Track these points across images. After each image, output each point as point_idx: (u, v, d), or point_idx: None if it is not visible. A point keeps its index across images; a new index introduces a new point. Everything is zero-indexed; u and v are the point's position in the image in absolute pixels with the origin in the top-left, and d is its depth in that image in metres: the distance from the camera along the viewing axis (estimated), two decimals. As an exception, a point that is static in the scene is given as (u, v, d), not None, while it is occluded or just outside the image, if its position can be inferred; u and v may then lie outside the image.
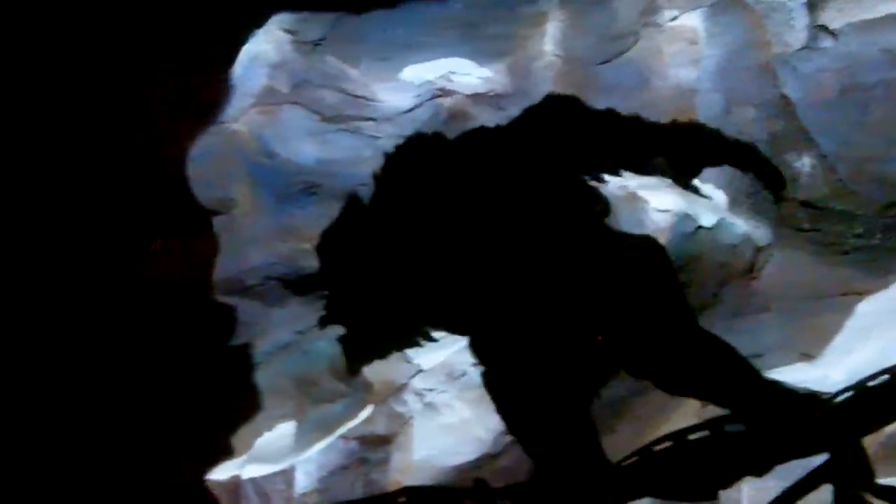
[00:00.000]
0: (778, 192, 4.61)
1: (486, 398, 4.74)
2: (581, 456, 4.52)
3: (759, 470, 4.15)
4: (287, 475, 4.62)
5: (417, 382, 4.67)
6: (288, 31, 4.70)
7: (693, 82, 4.63)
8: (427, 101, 4.68)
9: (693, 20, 4.62)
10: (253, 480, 4.70)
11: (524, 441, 4.53)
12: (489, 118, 4.67)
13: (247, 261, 4.84)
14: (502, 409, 4.55)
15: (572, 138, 4.68)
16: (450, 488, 4.48)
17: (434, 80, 4.67)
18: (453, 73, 4.67)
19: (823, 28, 4.54)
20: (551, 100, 4.70)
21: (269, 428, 4.80)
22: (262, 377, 4.85)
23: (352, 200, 4.78)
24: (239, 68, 4.75)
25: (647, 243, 4.51)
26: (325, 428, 4.72)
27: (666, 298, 4.51)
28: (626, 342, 4.49)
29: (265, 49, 4.71)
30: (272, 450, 4.75)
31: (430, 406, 4.57)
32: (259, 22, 4.75)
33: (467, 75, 4.68)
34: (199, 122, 4.75)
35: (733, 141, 4.62)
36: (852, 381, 4.19)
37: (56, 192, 4.66)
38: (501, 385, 4.50)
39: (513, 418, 4.55)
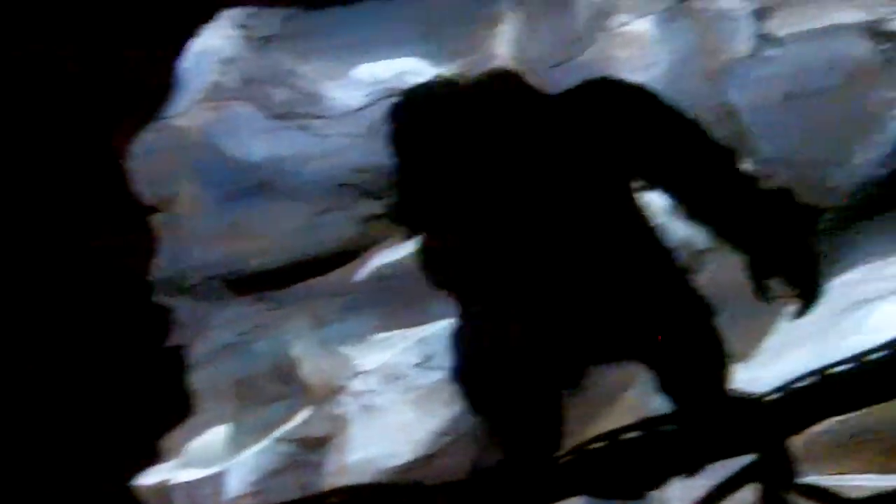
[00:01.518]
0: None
1: (426, 400, 4.73)
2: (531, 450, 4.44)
3: (690, 469, 4.14)
4: (217, 479, 4.61)
5: (357, 384, 4.73)
6: (238, 27, 4.75)
7: (643, 87, 4.59)
8: (379, 100, 4.66)
9: (644, 26, 4.82)
10: (182, 485, 4.52)
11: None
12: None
13: (188, 260, 4.94)
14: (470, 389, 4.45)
15: (524, 140, 4.60)
16: (383, 486, 4.33)
17: (387, 79, 4.70)
18: (406, 72, 4.66)
19: (769, 36, 4.74)
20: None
21: (204, 431, 4.62)
22: (200, 379, 4.91)
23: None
24: (187, 63, 4.81)
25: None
26: (262, 430, 4.73)
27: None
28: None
29: (215, 44, 4.82)
30: (205, 453, 4.74)
31: (367, 408, 4.61)
32: (209, 16, 4.65)
33: (421, 75, 4.61)
34: (144, 117, 4.69)
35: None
36: (783, 382, 4.11)
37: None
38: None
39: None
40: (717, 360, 4.68)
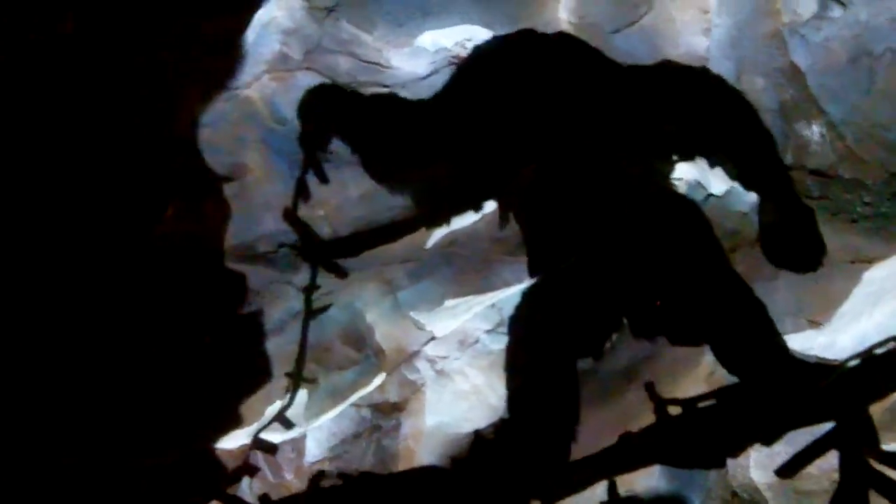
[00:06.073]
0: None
1: (498, 365, 4.71)
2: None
3: (768, 438, 4.14)
4: (297, 443, 4.68)
5: (430, 350, 4.75)
6: (301, -2, 4.66)
7: (704, 51, 4.67)
8: (442, 68, 4.66)
9: (705, -12, 4.63)
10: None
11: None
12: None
13: (259, 228, 4.93)
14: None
15: (585, 107, 4.61)
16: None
17: (450, 47, 4.68)
18: (468, 40, 4.66)
19: (833, -3, 4.65)
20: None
21: (281, 396, 4.71)
22: (273, 345, 4.91)
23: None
24: (251, 34, 4.83)
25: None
26: (337, 395, 4.79)
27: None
28: (639, 303, 4.47)
29: (277, 15, 4.79)
30: (284, 418, 4.67)
31: (442, 373, 4.62)
32: (271, -12, 4.68)
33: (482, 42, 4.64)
34: (211, 89, 4.73)
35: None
36: (860, 348, 4.16)
37: (66, 159, 4.53)
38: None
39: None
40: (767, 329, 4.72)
